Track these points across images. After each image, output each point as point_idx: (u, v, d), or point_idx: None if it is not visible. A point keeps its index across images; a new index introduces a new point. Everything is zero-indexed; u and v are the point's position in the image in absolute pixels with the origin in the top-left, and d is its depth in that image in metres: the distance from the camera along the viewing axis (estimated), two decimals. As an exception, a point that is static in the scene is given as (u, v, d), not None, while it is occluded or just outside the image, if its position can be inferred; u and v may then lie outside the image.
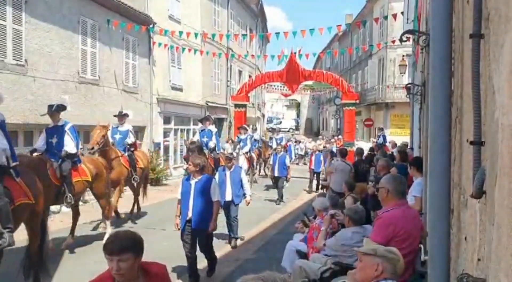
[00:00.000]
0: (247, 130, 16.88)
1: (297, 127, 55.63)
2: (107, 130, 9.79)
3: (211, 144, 12.49)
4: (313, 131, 52.29)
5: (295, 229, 7.10)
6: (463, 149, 2.31)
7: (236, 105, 19.76)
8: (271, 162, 15.61)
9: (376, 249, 3.09)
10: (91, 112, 14.36)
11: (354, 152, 12.77)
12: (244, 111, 19.46)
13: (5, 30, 10.91)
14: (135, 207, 11.38)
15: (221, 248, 8.54)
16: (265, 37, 30.39)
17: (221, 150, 14.06)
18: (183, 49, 17.65)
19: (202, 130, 13.07)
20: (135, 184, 11.07)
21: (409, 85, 11.81)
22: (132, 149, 11.06)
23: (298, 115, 61.76)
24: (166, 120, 19.62)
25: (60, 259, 7.58)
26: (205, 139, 12.54)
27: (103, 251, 2.68)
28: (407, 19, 14.38)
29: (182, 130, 21.41)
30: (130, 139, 11.04)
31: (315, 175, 17.33)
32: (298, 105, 61.50)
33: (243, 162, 13.88)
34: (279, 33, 16.04)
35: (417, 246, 4.12)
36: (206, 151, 11.90)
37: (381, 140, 20.14)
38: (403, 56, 22.27)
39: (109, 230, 8.69)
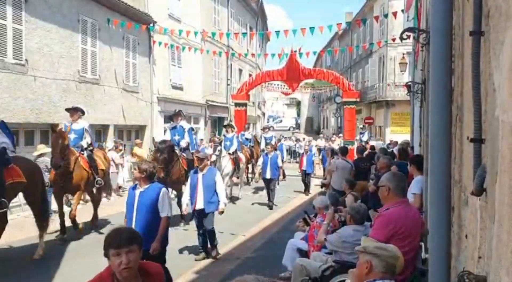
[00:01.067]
0: (234, 128, 15.27)
1: (297, 126, 55.59)
2: (65, 136, 8.38)
3: (183, 143, 10.96)
4: (313, 130, 52.28)
5: (296, 228, 7.11)
6: (463, 146, 2.31)
7: (236, 104, 19.78)
8: (260, 163, 13.95)
9: (366, 247, 3.11)
10: (92, 111, 14.36)
11: (355, 150, 12.78)
12: (245, 110, 19.49)
13: (5, 30, 10.91)
14: (95, 216, 9.87)
15: (221, 247, 8.55)
16: (265, 35, 30.37)
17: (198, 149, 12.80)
18: (183, 48, 17.65)
19: (172, 127, 11.35)
20: (95, 190, 9.86)
21: (410, 83, 11.84)
22: (91, 148, 9.62)
23: (298, 114, 61.75)
24: (167, 119, 19.62)
25: (60, 260, 7.58)
26: (176, 138, 10.94)
27: (109, 248, 2.58)
28: (407, 17, 14.37)
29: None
30: (86, 141, 9.37)
31: (306, 176, 16.03)
32: (298, 104, 61.51)
33: (227, 163, 12.78)
34: (279, 31, 15.97)
35: (417, 244, 4.12)
36: (177, 151, 10.59)
37: (365, 137, 19.85)
38: (404, 54, 22.26)
39: (41, 247, 7.55)
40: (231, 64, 27.16)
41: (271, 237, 9.50)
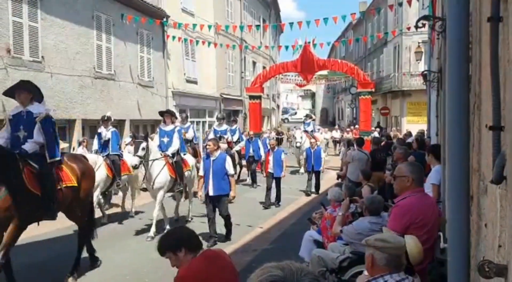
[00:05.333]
0: (175, 117, 10.47)
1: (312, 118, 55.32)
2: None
3: (29, 146, 5.79)
4: (328, 121, 52.02)
5: (313, 219, 7.10)
6: (482, 134, 2.28)
7: (250, 97, 19.73)
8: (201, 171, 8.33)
9: (367, 239, 3.07)
10: (108, 107, 14.52)
11: (371, 141, 12.67)
12: (259, 103, 19.43)
13: (22, 28, 11.06)
14: None
15: (239, 239, 8.61)
16: (278, 27, 30.23)
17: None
18: (197, 41, 17.68)
19: (14, 116, 5.97)
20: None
21: (426, 72, 11.69)
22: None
23: (313, 106, 61.49)
24: (182, 114, 19.72)
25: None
26: (21, 135, 5.87)
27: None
28: (422, 4, 14.17)
29: (197, 123, 21.54)
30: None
31: (274, 181, 11.91)
32: (313, 96, 61.23)
33: (161, 171, 8.64)
34: (292, 23, 15.86)
35: (435, 233, 4.09)
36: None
37: (310, 128, 19.20)
38: (419, 43, 21.98)
39: None
40: (244, 57, 27.14)
41: (287, 229, 9.53)
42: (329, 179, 16.03)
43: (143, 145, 8.35)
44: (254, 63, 30.02)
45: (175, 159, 9.29)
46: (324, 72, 24.57)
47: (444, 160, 5.10)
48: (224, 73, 24.15)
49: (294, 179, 16.15)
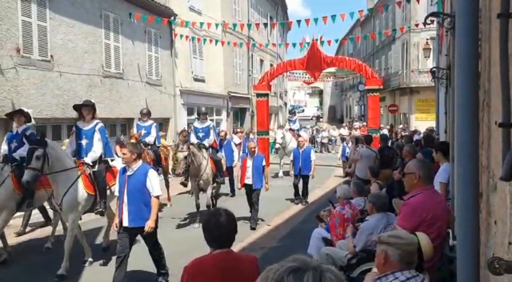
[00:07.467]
0: (94, 110, 7.31)
1: (320, 115, 55.19)
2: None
3: None
4: (336, 119, 51.88)
5: (321, 216, 7.10)
6: (491, 131, 2.28)
7: (258, 95, 19.70)
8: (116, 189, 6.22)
9: (381, 236, 3.10)
10: (117, 105, 14.63)
11: (379, 138, 12.61)
12: (266, 101, 19.39)
13: (31, 27, 11.15)
14: None
15: (247, 236, 8.63)
16: (286, 25, 30.18)
17: None
18: (204, 40, 17.70)
19: None
20: None
21: (434, 69, 11.63)
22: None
23: (321, 103, 61.36)
24: (190, 112, 19.78)
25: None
26: None
27: None
28: (431, 1, 14.08)
29: (205, 121, 21.56)
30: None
31: (253, 193, 9.43)
32: (320, 93, 61.07)
33: (78, 189, 6.46)
34: (300, 20, 15.84)
35: (445, 230, 4.08)
36: None
37: (296, 126, 18.87)
38: (427, 39, 21.85)
39: None
40: (252, 55, 27.13)
41: (295, 227, 9.53)
42: (334, 178, 16.02)
43: (38, 152, 5.83)
44: (261, 61, 29.99)
45: (96, 168, 6.89)
46: (332, 69, 24.51)
47: (453, 157, 5.08)
48: (232, 71, 24.16)
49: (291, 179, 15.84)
